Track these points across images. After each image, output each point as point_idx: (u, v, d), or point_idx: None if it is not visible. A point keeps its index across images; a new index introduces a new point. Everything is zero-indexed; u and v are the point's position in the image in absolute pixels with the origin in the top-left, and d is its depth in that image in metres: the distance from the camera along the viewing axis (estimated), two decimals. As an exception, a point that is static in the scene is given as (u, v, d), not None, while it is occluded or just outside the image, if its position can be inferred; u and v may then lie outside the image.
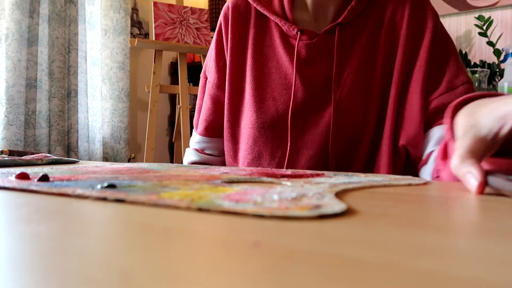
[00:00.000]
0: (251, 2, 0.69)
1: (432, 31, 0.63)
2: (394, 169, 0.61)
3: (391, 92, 0.62)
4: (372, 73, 0.63)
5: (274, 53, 0.67)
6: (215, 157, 0.75)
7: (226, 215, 0.22)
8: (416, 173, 0.62)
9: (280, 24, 0.66)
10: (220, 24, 0.72)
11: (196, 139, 0.76)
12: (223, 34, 0.71)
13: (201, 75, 0.77)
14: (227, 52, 0.70)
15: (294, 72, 0.63)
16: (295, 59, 0.64)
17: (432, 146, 0.58)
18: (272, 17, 0.67)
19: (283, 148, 0.64)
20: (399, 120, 0.62)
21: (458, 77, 0.61)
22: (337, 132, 0.62)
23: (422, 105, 0.61)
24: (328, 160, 0.62)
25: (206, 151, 0.75)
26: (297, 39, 0.64)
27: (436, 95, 0.60)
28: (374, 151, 0.63)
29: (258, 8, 0.68)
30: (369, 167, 0.63)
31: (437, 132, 0.59)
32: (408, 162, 0.62)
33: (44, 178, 0.34)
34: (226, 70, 0.70)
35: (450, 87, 0.60)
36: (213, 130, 0.74)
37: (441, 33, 0.65)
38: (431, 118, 0.60)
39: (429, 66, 0.62)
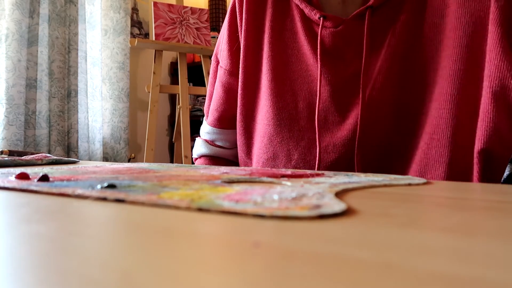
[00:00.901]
0: None
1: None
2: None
3: (448, 86, 0.49)
4: (412, 66, 0.52)
5: (295, 40, 0.58)
6: (226, 150, 0.70)
7: (226, 215, 0.22)
8: (499, 175, 0.49)
9: (301, 7, 0.57)
10: (234, 5, 0.64)
11: (206, 129, 0.71)
12: (237, 14, 0.63)
13: (213, 57, 0.70)
14: (241, 34, 0.62)
15: (319, 65, 0.55)
16: (318, 49, 0.55)
17: None
18: None
19: (300, 150, 0.57)
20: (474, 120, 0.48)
21: None
22: (364, 137, 0.53)
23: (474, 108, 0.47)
24: (355, 169, 0.53)
25: (217, 143, 0.70)
26: (320, 25, 0.55)
27: None
28: (410, 159, 0.52)
29: None
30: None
31: None
32: (488, 167, 0.48)
33: (44, 178, 0.34)
34: (239, 55, 0.63)
35: None
36: (225, 121, 0.67)
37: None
38: None
39: (506, 32, 0.46)
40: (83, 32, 2.06)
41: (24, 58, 1.77)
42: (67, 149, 1.95)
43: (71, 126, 1.96)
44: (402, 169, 0.53)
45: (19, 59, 1.75)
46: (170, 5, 1.91)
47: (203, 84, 2.71)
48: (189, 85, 2.23)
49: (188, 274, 0.13)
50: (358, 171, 0.53)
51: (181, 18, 1.93)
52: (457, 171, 0.49)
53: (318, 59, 0.55)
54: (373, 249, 0.15)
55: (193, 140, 2.70)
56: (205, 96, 2.45)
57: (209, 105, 0.71)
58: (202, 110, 2.66)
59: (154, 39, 1.84)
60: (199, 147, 0.72)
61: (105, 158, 2.19)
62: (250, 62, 0.61)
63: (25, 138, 1.80)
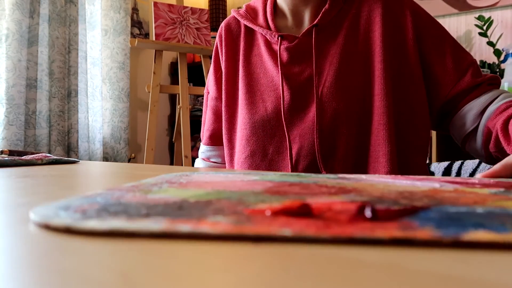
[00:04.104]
0: (239, 19, 0.76)
1: (412, 26, 0.66)
2: (393, 158, 0.63)
3: (374, 88, 0.65)
4: (353, 69, 0.67)
5: (262, 61, 0.73)
6: (220, 165, 0.82)
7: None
8: (414, 159, 0.66)
9: (263, 33, 0.73)
10: (216, 43, 0.80)
11: (202, 149, 0.84)
12: (219, 51, 0.79)
13: (204, 91, 0.85)
14: (222, 65, 0.77)
15: (280, 75, 0.69)
16: (278, 62, 0.69)
17: (472, 123, 0.63)
18: (257, 28, 0.73)
19: (274, 145, 0.69)
20: (404, 113, 0.66)
21: (463, 60, 0.66)
22: (321, 126, 0.65)
23: (425, 99, 0.66)
24: (315, 152, 0.65)
25: (212, 160, 0.82)
26: (278, 44, 0.70)
27: (449, 86, 0.65)
28: (364, 141, 0.65)
29: (246, 23, 0.75)
30: (361, 157, 0.65)
31: (469, 111, 0.64)
32: (411, 149, 0.66)
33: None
34: (222, 81, 0.78)
35: (460, 75, 0.65)
36: (215, 139, 0.80)
37: (426, 22, 0.68)
38: (452, 104, 0.66)
39: (423, 61, 0.66)
40: (83, 32, 2.06)
41: (24, 58, 1.77)
42: (67, 149, 1.95)
43: (71, 126, 1.96)
44: (358, 152, 0.65)
45: (19, 59, 1.74)
46: (170, 5, 1.91)
47: (203, 84, 2.71)
48: (189, 85, 2.22)
49: (188, 274, 0.13)
50: (318, 154, 0.65)
51: (181, 18, 1.93)
52: (395, 151, 0.63)
53: (279, 70, 0.69)
54: (373, 249, 0.15)
55: (193, 140, 2.71)
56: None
57: (204, 130, 0.85)
58: (202, 110, 2.66)
59: (154, 39, 1.83)
60: (197, 165, 0.85)
61: (105, 158, 2.19)
62: (229, 84, 0.76)
63: (25, 138, 1.80)
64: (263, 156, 0.69)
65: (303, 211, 0.21)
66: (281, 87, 0.68)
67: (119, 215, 0.20)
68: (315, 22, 0.68)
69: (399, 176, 0.38)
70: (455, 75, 0.65)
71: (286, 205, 0.22)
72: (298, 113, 0.68)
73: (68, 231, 0.18)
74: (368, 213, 0.20)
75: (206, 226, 0.18)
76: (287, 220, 0.19)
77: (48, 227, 0.19)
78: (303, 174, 0.40)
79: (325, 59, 0.68)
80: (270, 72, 0.71)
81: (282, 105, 0.68)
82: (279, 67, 0.69)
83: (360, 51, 0.67)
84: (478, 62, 1.93)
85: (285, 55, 0.69)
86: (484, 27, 1.91)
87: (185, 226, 0.18)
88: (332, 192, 0.28)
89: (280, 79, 0.68)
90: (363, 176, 0.38)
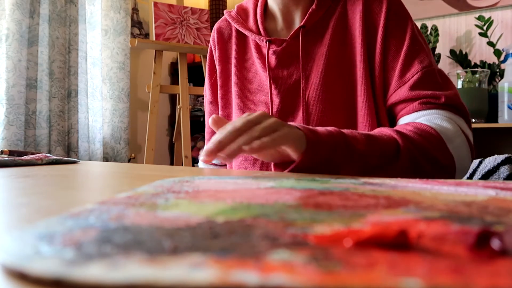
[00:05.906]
0: (230, 22, 0.75)
1: (384, 25, 0.64)
2: None
3: (357, 89, 0.64)
4: (338, 71, 0.66)
5: (253, 64, 0.73)
6: (219, 166, 0.83)
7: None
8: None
9: (252, 37, 0.72)
10: (210, 47, 0.81)
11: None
12: (213, 55, 0.79)
13: (204, 94, 0.86)
14: (217, 69, 0.78)
15: (268, 79, 0.68)
16: (267, 66, 0.68)
17: None
18: (246, 33, 0.72)
19: None
20: (386, 114, 0.65)
21: (409, 68, 0.62)
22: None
23: (371, 103, 0.64)
24: None
25: (213, 161, 0.83)
26: (267, 48, 0.69)
27: (390, 93, 0.64)
28: None
29: (236, 26, 0.74)
30: None
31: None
32: None
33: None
34: (216, 86, 0.78)
35: (400, 83, 0.62)
36: None
37: (395, 21, 0.65)
38: (392, 113, 0.65)
39: (382, 62, 0.64)
40: (84, 32, 2.06)
41: (25, 58, 1.77)
42: (67, 149, 1.95)
43: (71, 126, 1.96)
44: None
45: (20, 59, 1.74)
46: (170, 6, 1.91)
47: (203, 84, 2.71)
48: (189, 85, 2.22)
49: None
50: None
51: (181, 19, 1.93)
52: None
53: (267, 75, 0.68)
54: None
55: (193, 140, 2.70)
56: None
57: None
58: (202, 110, 2.66)
59: (154, 39, 1.83)
60: (200, 164, 0.88)
61: (105, 158, 2.19)
62: (223, 88, 0.76)
63: (25, 138, 1.80)
64: (255, 160, 0.69)
65: (401, 241, 0.15)
66: (269, 92, 0.68)
67: (132, 250, 0.14)
68: (302, 23, 0.67)
69: (429, 180, 0.34)
70: (396, 83, 0.63)
71: (376, 231, 0.15)
72: (287, 117, 0.67)
73: (57, 285, 0.12)
74: (496, 244, 0.14)
75: (280, 274, 0.12)
76: (390, 258, 0.13)
77: (24, 278, 0.12)
78: (318, 178, 0.37)
79: (312, 61, 0.67)
80: (261, 76, 0.71)
81: (271, 110, 0.67)
82: (267, 71, 0.68)
83: (345, 51, 0.66)
84: (478, 62, 1.93)
85: (273, 59, 0.69)
86: (484, 27, 1.91)
87: (248, 275, 0.12)
88: (385, 204, 0.23)
89: (269, 85, 0.68)
90: (389, 181, 0.33)
